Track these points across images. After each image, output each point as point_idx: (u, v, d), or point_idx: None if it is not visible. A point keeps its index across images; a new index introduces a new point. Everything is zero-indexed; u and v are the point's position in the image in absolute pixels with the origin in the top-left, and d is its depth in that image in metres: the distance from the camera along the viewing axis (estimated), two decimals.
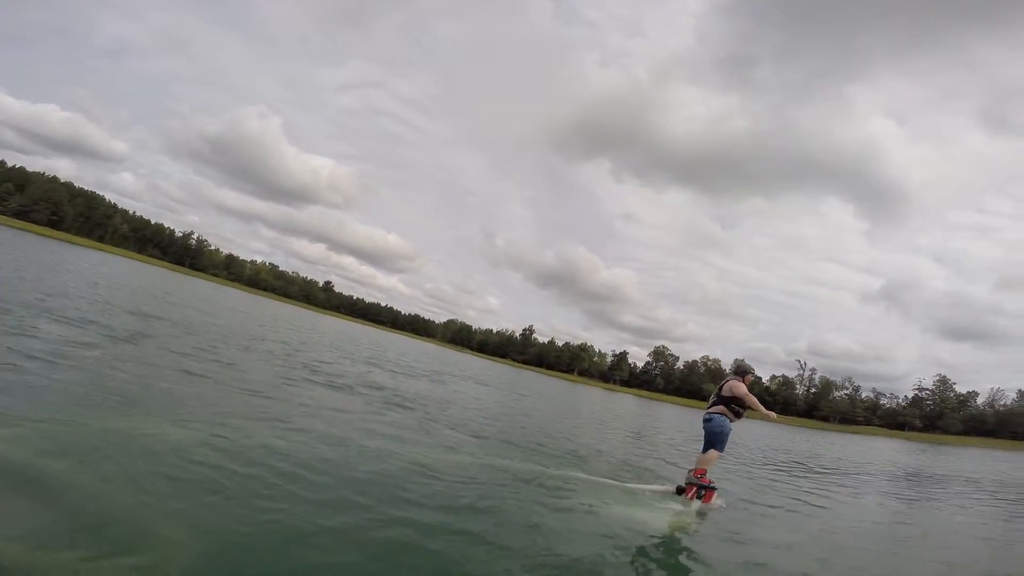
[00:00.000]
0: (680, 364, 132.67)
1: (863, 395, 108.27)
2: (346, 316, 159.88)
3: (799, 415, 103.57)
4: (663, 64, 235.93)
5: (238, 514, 3.01)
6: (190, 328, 12.73)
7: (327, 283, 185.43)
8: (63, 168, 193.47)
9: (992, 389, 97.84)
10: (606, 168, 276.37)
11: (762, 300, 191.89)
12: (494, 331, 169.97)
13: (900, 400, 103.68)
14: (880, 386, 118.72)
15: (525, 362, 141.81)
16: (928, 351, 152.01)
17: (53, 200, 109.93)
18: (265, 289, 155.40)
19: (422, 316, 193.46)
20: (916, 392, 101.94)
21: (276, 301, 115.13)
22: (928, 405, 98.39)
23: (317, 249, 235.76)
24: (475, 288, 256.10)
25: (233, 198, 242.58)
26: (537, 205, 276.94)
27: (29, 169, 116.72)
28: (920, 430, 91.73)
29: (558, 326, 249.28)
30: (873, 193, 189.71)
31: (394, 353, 29.08)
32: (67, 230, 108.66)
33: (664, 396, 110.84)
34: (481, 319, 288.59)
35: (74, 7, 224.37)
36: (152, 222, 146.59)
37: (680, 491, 6.31)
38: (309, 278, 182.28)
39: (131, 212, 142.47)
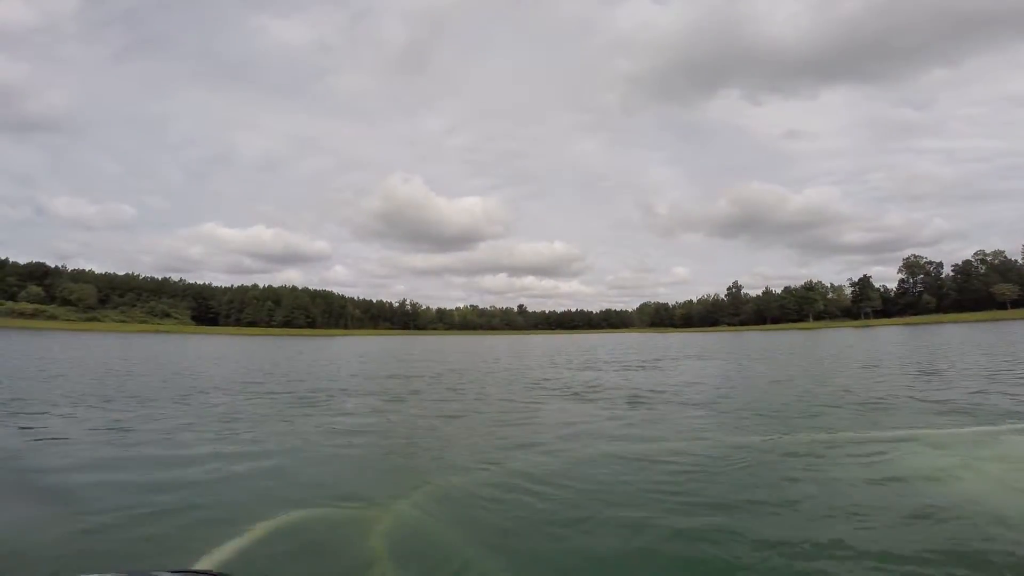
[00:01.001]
0: (947, 271, 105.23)
1: None
2: (545, 331, 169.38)
3: None
4: None
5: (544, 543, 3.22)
6: (458, 376, 14.80)
7: (520, 306, 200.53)
8: (293, 277, 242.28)
9: None
10: (736, 96, 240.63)
11: (1018, 168, 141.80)
12: (694, 300, 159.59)
13: None
14: None
15: (742, 323, 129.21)
16: None
17: (303, 306, 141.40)
18: (474, 328, 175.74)
19: (613, 309, 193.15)
20: None
21: (486, 336, 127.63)
22: None
23: (500, 279, 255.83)
24: (655, 265, 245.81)
25: (420, 259, 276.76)
26: (681, 160, 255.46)
27: (275, 285, 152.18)
28: None
29: (768, 273, 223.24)
30: None
31: (604, 352, 29.33)
32: (319, 327, 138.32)
33: (941, 316, 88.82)
34: (675, 293, 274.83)
35: (214, 137, 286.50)
36: (374, 300, 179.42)
37: None
38: (504, 307, 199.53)
39: (356, 297, 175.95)
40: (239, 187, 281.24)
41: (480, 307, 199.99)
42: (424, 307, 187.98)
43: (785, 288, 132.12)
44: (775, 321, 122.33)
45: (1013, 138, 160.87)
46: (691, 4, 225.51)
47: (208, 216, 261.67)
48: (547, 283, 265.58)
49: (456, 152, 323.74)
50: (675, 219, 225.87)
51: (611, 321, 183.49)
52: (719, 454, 5.09)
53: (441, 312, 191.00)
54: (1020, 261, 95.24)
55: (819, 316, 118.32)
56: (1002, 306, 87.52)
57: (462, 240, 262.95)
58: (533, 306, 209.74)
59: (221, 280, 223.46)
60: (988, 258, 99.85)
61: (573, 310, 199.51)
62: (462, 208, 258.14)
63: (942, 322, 76.11)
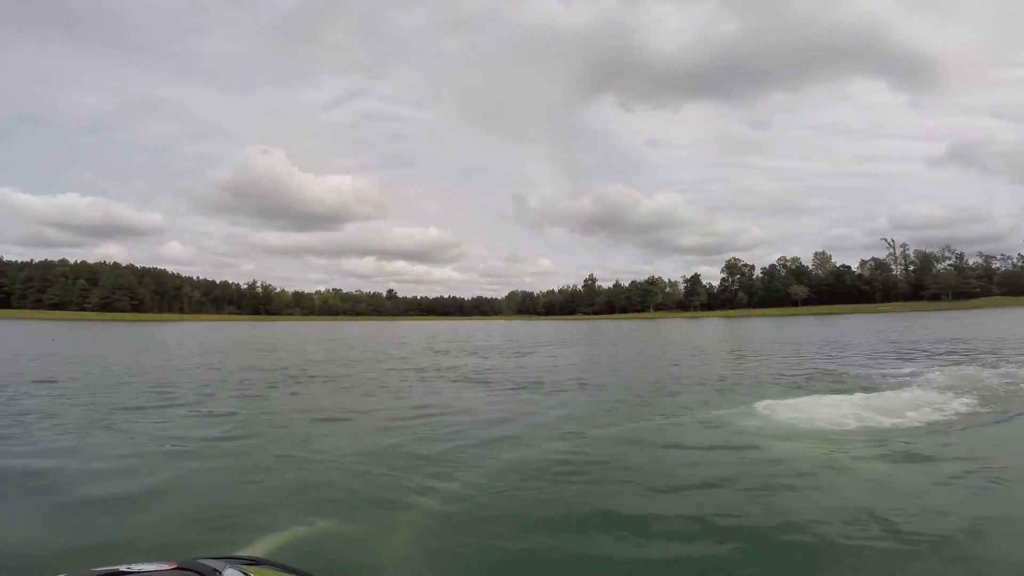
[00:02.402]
0: (758, 272, 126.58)
1: (970, 262, 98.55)
2: (417, 316, 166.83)
3: (904, 299, 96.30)
4: None
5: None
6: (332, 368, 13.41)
7: (390, 291, 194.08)
8: (115, 253, 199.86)
9: None
10: (612, 102, 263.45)
11: (822, 188, 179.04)
12: (556, 290, 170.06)
13: (1014, 260, 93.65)
14: (986, 249, 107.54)
15: (595, 312, 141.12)
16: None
17: (126, 286, 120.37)
18: (337, 313, 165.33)
19: (485, 296, 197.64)
20: None
21: (351, 321, 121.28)
22: None
23: (368, 263, 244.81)
24: (524, 255, 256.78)
25: (275, 238, 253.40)
26: (556, 158, 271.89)
27: (90, 261, 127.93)
28: None
29: (619, 267, 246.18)
30: (901, 66, 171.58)
31: (481, 338, 29.64)
32: (148, 310, 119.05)
33: (751, 311, 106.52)
34: (540, 283, 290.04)
35: (30, 93, 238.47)
36: (217, 281, 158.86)
37: None
38: (372, 292, 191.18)
39: (195, 278, 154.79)
40: (52, 150, 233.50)
41: (344, 291, 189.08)
42: (279, 290, 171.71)
43: (632, 282, 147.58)
44: (622, 311, 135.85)
45: (822, 162, 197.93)
46: (592, 7, 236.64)
47: (3, 180, 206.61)
48: (419, 269, 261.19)
49: (332, 129, 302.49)
50: (544, 213, 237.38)
51: (482, 308, 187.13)
52: (605, 442, 5.26)
53: (299, 296, 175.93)
54: (810, 267, 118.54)
55: (658, 308, 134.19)
56: (795, 303, 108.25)
57: (327, 220, 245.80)
58: (403, 291, 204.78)
59: (15, 254, 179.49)
60: (787, 264, 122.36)
61: (445, 296, 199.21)
62: (329, 186, 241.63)
63: (751, 315, 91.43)
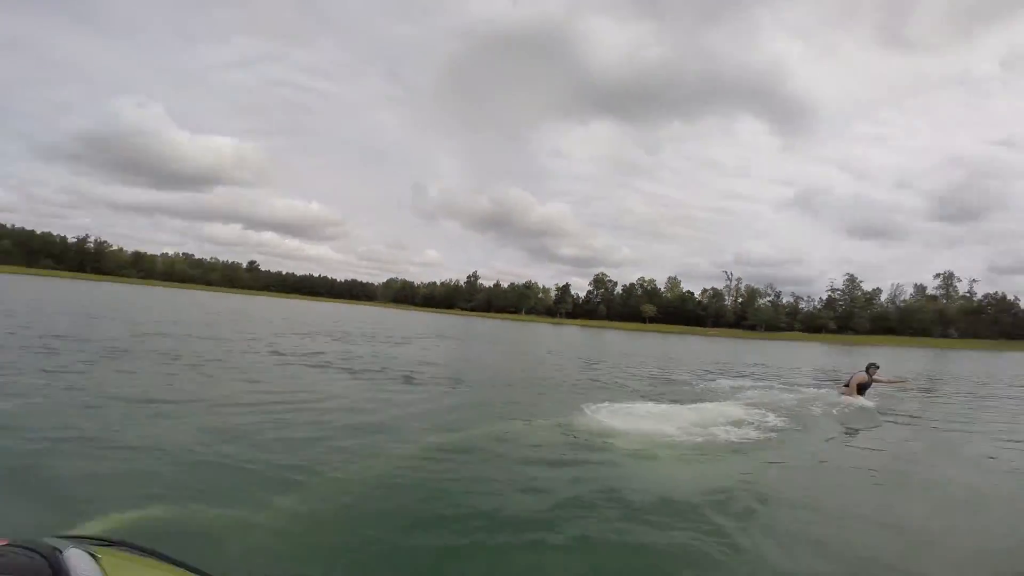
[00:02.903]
0: (619, 289, 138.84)
1: (784, 300, 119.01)
2: (278, 293, 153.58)
3: (730, 326, 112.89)
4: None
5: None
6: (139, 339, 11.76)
7: (251, 263, 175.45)
8: None
9: (893, 285, 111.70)
10: (530, 108, 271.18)
11: (688, 218, 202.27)
12: (438, 283, 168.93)
13: (816, 303, 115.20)
14: (799, 290, 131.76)
15: (473, 309, 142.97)
16: (837, 251, 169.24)
17: None
18: (184, 280, 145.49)
19: (359, 280, 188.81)
20: (829, 293, 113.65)
21: (200, 290, 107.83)
22: (840, 305, 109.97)
23: (232, 230, 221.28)
24: (411, 244, 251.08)
25: (125, 193, 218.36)
26: (466, 152, 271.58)
27: None
28: (835, 331, 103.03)
29: (502, 268, 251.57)
30: (784, 110, 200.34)
31: (352, 324, 28.40)
32: None
33: (608, 323, 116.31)
34: (423, 273, 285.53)
35: None
36: (37, 231, 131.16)
37: None
38: (230, 261, 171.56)
39: (9, 226, 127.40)
40: None
41: (197, 257, 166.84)
42: (116, 248, 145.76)
43: (511, 284, 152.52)
44: (499, 310, 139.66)
45: (693, 193, 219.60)
46: (536, 10, 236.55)
47: None
48: (291, 243, 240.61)
49: (231, 90, 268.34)
50: (441, 205, 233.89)
51: (354, 292, 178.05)
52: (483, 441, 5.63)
53: (139, 256, 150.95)
54: (663, 289, 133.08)
55: (530, 311, 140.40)
56: (644, 320, 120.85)
57: (194, 180, 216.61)
58: (268, 265, 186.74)
59: None
60: (644, 284, 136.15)
61: (315, 275, 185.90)
62: (207, 146, 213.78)
63: (606, 327, 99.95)
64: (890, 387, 11.04)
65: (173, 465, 3.84)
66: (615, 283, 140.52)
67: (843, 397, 9.78)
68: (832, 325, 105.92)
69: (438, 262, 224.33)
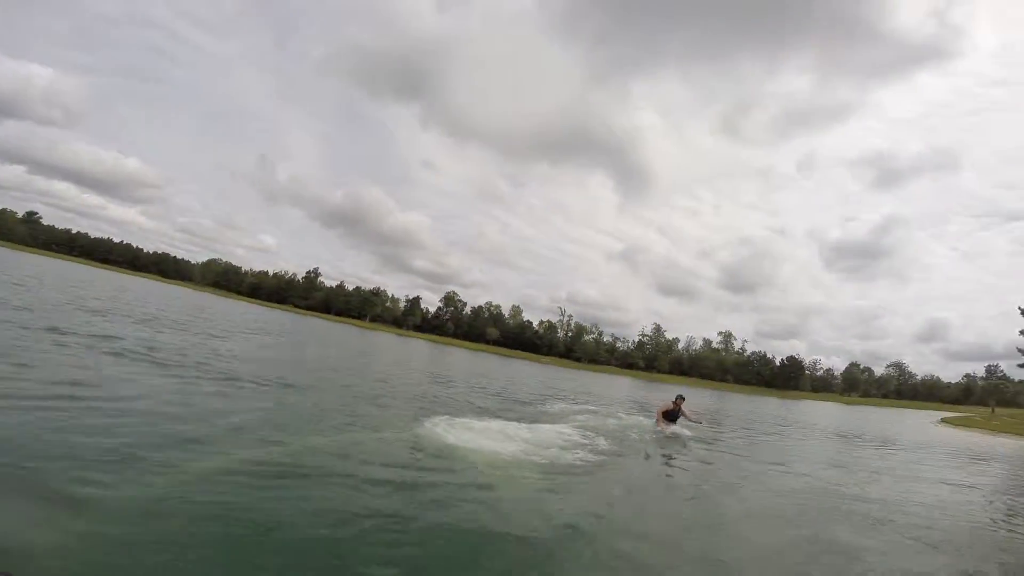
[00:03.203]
0: (468, 309, 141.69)
1: (605, 338, 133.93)
2: (62, 255, 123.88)
3: (560, 356, 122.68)
4: (501, 21, 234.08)
5: None
6: None
7: (30, 213, 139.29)
8: None
9: (688, 336, 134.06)
10: (415, 113, 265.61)
11: (533, 253, 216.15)
12: (270, 273, 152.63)
13: (630, 343, 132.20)
14: (617, 331, 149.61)
15: (309, 308, 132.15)
16: (650, 303, 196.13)
17: None
18: None
19: (172, 255, 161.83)
20: (640, 337, 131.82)
21: None
22: (648, 348, 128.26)
23: (13, 172, 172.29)
24: (245, 224, 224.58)
25: None
26: (330, 140, 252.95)
27: None
28: (643, 369, 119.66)
29: (347, 269, 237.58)
30: (628, 173, 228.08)
31: (160, 305, 23.87)
32: None
33: (454, 340, 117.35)
34: (252, 259, 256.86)
35: None
36: None
37: None
38: (5, 208, 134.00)
39: None
40: None
41: None
42: None
43: (356, 287, 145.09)
44: (339, 313, 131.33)
45: (542, 232, 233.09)
46: (460, 24, 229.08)
47: None
48: (92, 199, 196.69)
49: (84, 17, 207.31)
50: (289, 189, 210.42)
51: (164, 268, 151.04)
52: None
53: None
54: (506, 315, 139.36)
55: (375, 318, 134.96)
56: (487, 342, 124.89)
57: None
58: (54, 219, 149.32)
59: None
60: (491, 308, 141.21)
61: (116, 240, 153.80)
62: (13, 73, 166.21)
63: (452, 344, 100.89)
64: (689, 421, 13.00)
65: None
66: (465, 303, 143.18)
67: (658, 425, 11.29)
68: (641, 364, 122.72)
69: (273, 249, 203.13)
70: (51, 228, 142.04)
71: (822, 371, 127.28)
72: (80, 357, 7.55)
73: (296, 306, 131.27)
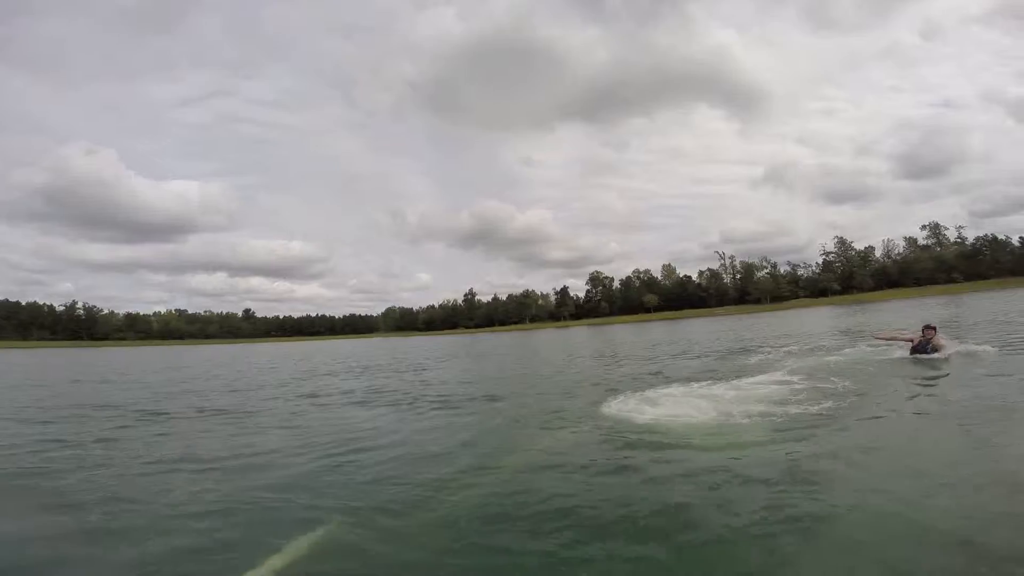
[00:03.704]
0: (616, 283, 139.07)
1: (782, 270, 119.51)
2: (280, 338, 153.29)
3: (733, 303, 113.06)
4: (521, 10, 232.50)
5: None
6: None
7: (246, 311, 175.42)
8: None
9: (884, 241, 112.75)
10: (494, 120, 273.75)
11: (664, 207, 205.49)
12: (436, 306, 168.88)
13: (814, 267, 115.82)
14: (793, 258, 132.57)
15: (476, 326, 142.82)
16: (820, 217, 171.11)
17: None
18: (181, 337, 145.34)
19: (358, 314, 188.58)
20: (823, 257, 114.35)
21: (201, 345, 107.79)
22: (838, 267, 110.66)
23: (218, 279, 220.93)
24: (400, 271, 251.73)
25: (99, 251, 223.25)
26: (436, 172, 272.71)
27: None
28: (839, 293, 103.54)
29: (496, 281, 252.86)
30: (735, 96, 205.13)
31: (363, 358, 28.24)
32: None
33: (612, 319, 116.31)
34: (418, 298, 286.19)
35: None
36: (22, 303, 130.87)
37: None
38: (224, 312, 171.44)
39: None
40: None
41: (190, 312, 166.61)
42: (106, 311, 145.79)
43: (508, 295, 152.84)
44: (501, 323, 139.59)
45: (663, 184, 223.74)
46: (488, 24, 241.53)
47: None
48: (280, 286, 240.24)
49: (184, 129, 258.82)
50: (423, 228, 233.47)
51: (355, 326, 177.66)
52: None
53: (133, 318, 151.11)
54: (660, 278, 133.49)
55: (533, 319, 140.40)
56: (648, 310, 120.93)
57: (166, 230, 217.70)
58: (262, 311, 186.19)
59: None
60: (641, 275, 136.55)
61: (313, 315, 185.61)
62: (171, 192, 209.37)
63: (612, 323, 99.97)
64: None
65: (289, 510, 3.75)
66: (611, 279, 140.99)
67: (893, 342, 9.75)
68: (836, 286, 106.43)
69: (431, 285, 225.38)
70: (264, 319, 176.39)
71: None
72: (336, 413, 9.25)
73: (465, 327, 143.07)
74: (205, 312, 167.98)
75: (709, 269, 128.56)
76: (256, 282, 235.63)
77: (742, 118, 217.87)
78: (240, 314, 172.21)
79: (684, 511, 3.50)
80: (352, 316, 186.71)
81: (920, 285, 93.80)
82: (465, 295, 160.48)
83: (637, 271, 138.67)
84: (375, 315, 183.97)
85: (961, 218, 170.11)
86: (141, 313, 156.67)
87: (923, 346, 9.62)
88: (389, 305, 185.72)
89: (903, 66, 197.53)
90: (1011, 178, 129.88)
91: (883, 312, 36.95)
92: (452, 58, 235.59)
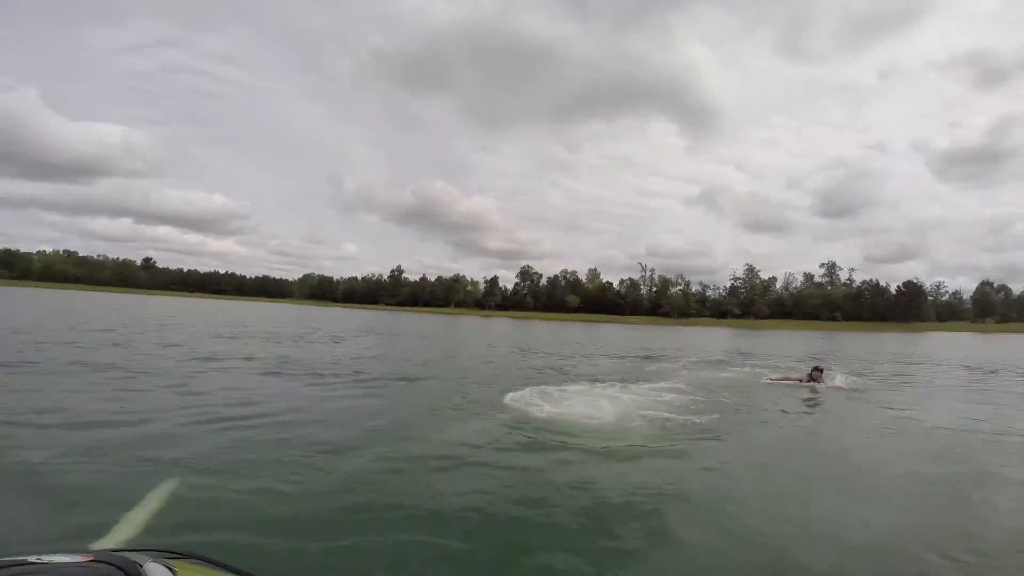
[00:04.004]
0: (544, 281, 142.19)
1: (694, 288, 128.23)
2: (180, 292, 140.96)
3: (646, 314, 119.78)
4: None
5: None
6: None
7: (147, 260, 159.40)
8: None
9: (786, 274, 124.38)
10: (457, 103, 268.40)
11: (605, 213, 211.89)
12: (359, 278, 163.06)
13: (721, 290, 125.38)
14: (705, 279, 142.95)
15: (399, 304, 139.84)
16: (738, 244, 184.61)
17: None
18: (67, 280, 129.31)
19: (272, 276, 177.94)
20: (732, 282, 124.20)
21: (88, 291, 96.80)
22: (742, 293, 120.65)
23: (122, 225, 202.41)
24: (328, 237, 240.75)
25: None
26: (388, 144, 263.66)
27: None
28: (739, 316, 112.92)
29: (427, 262, 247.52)
30: (691, 113, 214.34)
31: (273, 323, 26.78)
32: None
33: (535, 314, 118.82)
34: (342, 268, 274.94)
35: None
36: None
37: None
38: (122, 258, 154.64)
39: None
40: None
41: (82, 255, 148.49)
42: None
43: (438, 277, 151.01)
44: (426, 304, 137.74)
45: (608, 190, 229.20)
46: (472, 6, 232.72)
47: None
48: (192, 238, 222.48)
49: (122, 76, 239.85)
50: (360, 197, 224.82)
51: (267, 289, 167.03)
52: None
53: (11, 255, 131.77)
54: (584, 280, 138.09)
55: (459, 304, 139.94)
56: (568, 310, 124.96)
57: (74, 171, 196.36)
58: (167, 262, 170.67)
59: None
60: (567, 276, 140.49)
61: (221, 271, 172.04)
62: (89, 134, 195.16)
63: (534, 318, 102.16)
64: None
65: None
66: (540, 275, 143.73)
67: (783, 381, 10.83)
68: (736, 311, 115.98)
69: (358, 256, 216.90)
70: (166, 270, 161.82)
71: (947, 295, 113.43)
72: (239, 378, 8.82)
73: (387, 304, 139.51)
74: (99, 256, 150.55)
75: (630, 279, 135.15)
76: (164, 231, 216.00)
77: (693, 135, 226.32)
78: (139, 262, 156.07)
79: (549, 511, 3.58)
80: (265, 278, 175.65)
81: (807, 319, 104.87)
82: (392, 271, 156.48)
83: (565, 271, 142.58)
84: (291, 280, 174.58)
85: (856, 260, 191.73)
86: (22, 251, 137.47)
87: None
88: (308, 271, 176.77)
89: (853, 104, 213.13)
90: (909, 227, 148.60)
91: (772, 339, 40.95)
92: (429, 37, 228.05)
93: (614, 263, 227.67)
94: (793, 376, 11.11)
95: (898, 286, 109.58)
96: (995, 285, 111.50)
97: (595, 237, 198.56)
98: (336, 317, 48.56)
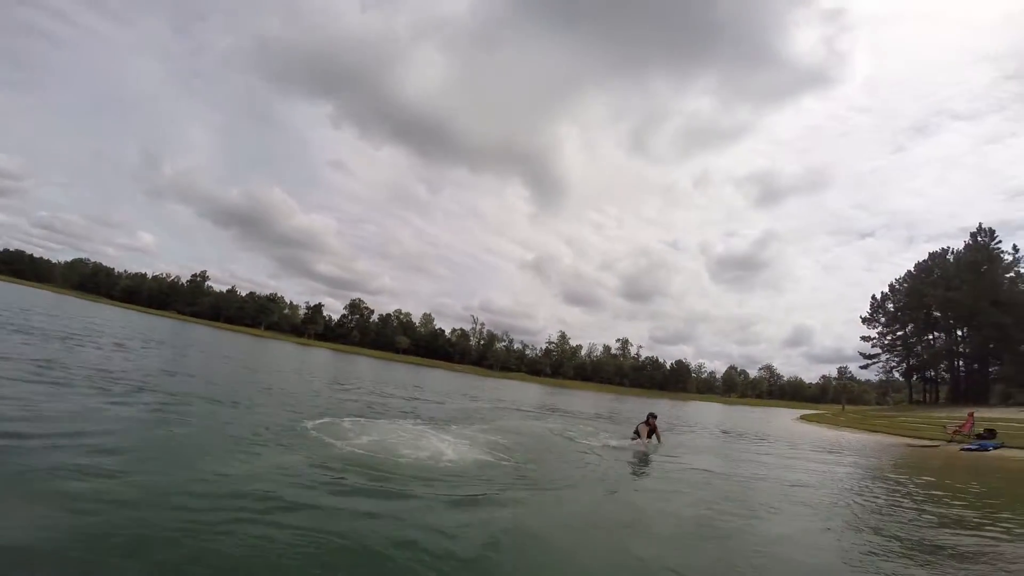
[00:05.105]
0: (375, 317, 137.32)
1: (516, 346, 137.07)
2: None
3: (472, 363, 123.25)
4: (426, 23, 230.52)
5: None
6: None
7: None
8: None
9: (590, 343, 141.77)
10: (326, 111, 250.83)
11: (448, 260, 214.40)
12: (149, 276, 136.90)
13: (538, 351, 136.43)
14: (526, 339, 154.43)
15: (195, 314, 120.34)
16: (557, 311, 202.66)
17: None
18: None
19: (28, 254, 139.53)
20: (547, 345, 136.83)
21: None
22: (554, 355, 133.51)
23: None
24: (122, 221, 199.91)
25: None
26: (229, 135, 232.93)
27: None
28: (550, 376, 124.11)
29: (240, 273, 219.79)
30: (545, 184, 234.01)
31: (30, 312, 20.86)
32: None
33: (361, 349, 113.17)
34: (128, 260, 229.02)
35: None
36: None
37: None
38: None
39: None
40: None
41: None
42: None
43: (251, 293, 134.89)
44: (229, 320, 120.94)
45: (457, 238, 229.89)
46: (383, 22, 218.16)
47: None
48: None
49: None
50: (176, 184, 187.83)
51: (18, 268, 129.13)
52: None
53: None
54: (417, 323, 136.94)
55: (271, 326, 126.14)
56: (397, 351, 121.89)
57: None
58: None
59: None
60: (401, 317, 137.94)
61: None
62: None
63: (359, 354, 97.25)
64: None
65: None
66: (372, 311, 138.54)
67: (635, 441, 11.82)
68: (548, 370, 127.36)
69: (153, 250, 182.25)
70: None
71: (706, 374, 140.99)
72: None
73: (180, 312, 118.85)
74: None
75: (461, 329, 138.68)
76: None
77: (539, 204, 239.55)
78: None
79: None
80: (18, 253, 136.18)
81: (603, 383, 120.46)
82: (194, 275, 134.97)
83: (399, 311, 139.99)
84: (56, 262, 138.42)
85: (644, 339, 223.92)
86: None
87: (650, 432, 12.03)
88: (81, 256, 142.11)
89: (667, 203, 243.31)
90: (684, 317, 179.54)
91: (577, 397, 45.57)
92: (326, 41, 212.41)
93: (449, 311, 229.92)
94: (633, 439, 12.02)
95: (672, 364, 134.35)
96: (738, 369, 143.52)
97: (435, 282, 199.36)
98: (110, 317, 39.68)
